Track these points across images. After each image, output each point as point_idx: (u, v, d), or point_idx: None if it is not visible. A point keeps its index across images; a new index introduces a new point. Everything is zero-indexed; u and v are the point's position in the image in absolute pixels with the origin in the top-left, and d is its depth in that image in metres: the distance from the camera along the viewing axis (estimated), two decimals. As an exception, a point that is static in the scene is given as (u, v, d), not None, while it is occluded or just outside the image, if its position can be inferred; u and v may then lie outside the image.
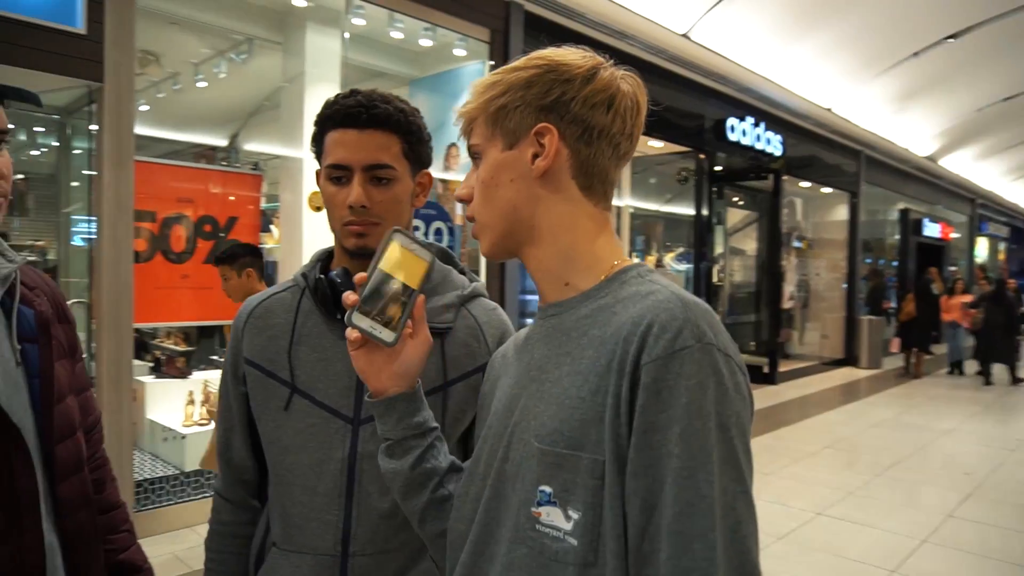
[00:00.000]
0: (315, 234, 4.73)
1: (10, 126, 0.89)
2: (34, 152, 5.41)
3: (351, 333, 0.79)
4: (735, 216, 9.82)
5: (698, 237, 7.75)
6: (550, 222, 0.78)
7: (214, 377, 4.54)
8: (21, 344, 0.94)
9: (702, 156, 7.62)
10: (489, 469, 0.79)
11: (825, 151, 9.75)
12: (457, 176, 5.03)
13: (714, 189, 8.02)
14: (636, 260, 0.81)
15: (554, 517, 0.69)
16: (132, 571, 1.11)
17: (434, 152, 1.16)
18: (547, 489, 0.70)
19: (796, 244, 10.46)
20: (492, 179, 0.78)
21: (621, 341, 0.68)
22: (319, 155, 1.05)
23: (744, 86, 7.49)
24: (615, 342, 0.68)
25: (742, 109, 7.73)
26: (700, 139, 7.43)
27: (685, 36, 6.33)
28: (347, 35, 4.64)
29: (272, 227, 5.57)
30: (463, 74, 5.11)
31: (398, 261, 0.80)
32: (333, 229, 1.05)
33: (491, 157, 0.79)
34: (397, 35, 4.79)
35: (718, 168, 8.14)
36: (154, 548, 3.28)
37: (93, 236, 3.50)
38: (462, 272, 1.16)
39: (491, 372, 0.92)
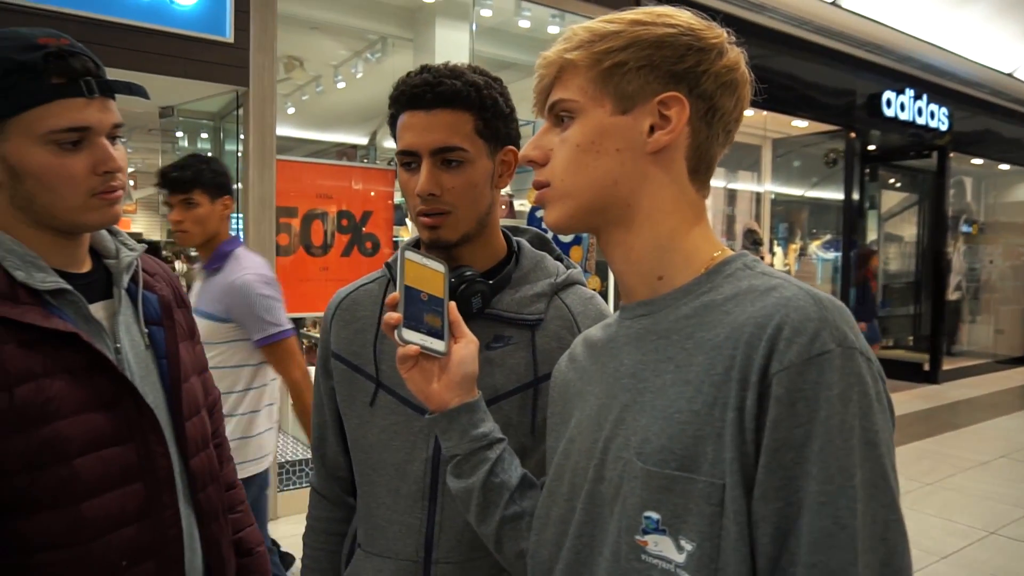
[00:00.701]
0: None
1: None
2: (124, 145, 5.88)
3: (407, 349, 0.78)
4: (891, 199, 8.99)
5: (848, 223, 7.16)
6: (652, 204, 0.68)
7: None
8: (148, 327, 0.98)
9: (853, 135, 7.01)
10: (576, 489, 0.71)
11: (1002, 123, 8.67)
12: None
13: (867, 170, 7.37)
14: (738, 251, 0.70)
15: (663, 547, 0.60)
16: (246, 552, 1.14)
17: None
18: (654, 516, 0.61)
19: (965, 229, 9.42)
20: (592, 144, 0.68)
21: (742, 345, 0.58)
22: (395, 139, 0.98)
23: (904, 54, 6.79)
24: (733, 346, 0.59)
25: (901, 81, 7.03)
26: (851, 116, 6.83)
27: (834, 4, 5.82)
28: (475, 27, 4.65)
29: (407, 220, 5.74)
30: (591, 60, 4.98)
31: (418, 275, 0.82)
32: (411, 219, 0.99)
33: (594, 119, 0.68)
34: (524, 24, 4.75)
35: (872, 147, 7.46)
36: (292, 527, 3.46)
37: (241, 232, 3.75)
38: (559, 259, 1.07)
39: (560, 376, 0.83)
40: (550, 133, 0.72)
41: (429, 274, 0.83)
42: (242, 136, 3.67)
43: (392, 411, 0.99)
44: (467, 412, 0.79)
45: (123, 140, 0.91)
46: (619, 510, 0.64)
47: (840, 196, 7.24)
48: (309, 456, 3.99)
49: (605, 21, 0.69)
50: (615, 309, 0.90)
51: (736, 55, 0.69)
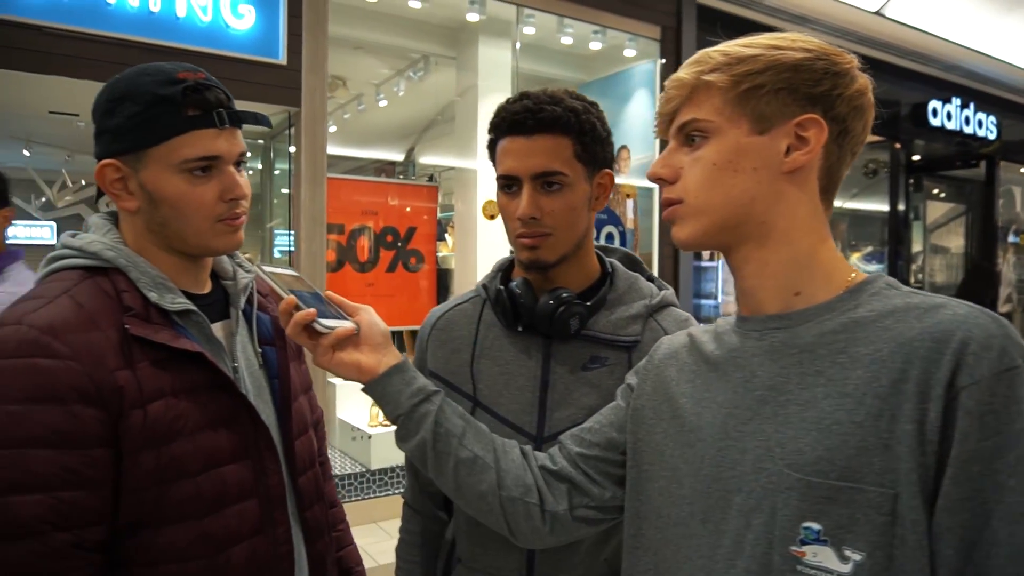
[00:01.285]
0: (488, 242, 4.84)
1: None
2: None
3: (330, 335, 0.84)
4: (936, 210, 8.80)
5: (892, 234, 7.03)
6: (788, 223, 0.70)
7: (396, 380, 4.77)
8: (261, 348, 1.02)
9: (897, 145, 6.90)
10: (702, 496, 0.71)
11: (1052, 131, 8.46)
12: (628, 180, 4.92)
13: (911, 181, 7.23)
14: (874, 272, 0.73)
15: (823, 558, 0.61)
16: (346, 571, 1.16)
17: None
18: (814, 526, 0.62)
19: (1012, 239, 9.17)
20: (729, 163, 0.70)
21: (918, 360, 0.60)
22: (494, 163, 1.02)
23: (950, 63, 6.68)
24: (904, 360, 0.61)
25: (947, 90, 6.91)
26: (895, 127, 6.73)
27: (878, 14, 5.75)
28: (518, 45, 4.70)
29: (447, 236, 5.79)
30: (633, 75, 5.00)
31: (287, 281, 0.88)
32: (509, 240, 1.02)
33: (730, 139, 0.70)
34: (567, 40, 4.78)
35: (916, 157, 7.33)
36: (346, 541, 3.49)
37: (292, 249, 3.82)
38: (650, 280, 1.08)
39: (652, 382, 0.82)
40: (678, 152, 0.74)
41: (288, 278, 0.89)
42: (293, 155, 3.74)
43: (491, 429, 1.00)
44: (398, 372, 0.85)
45: (244, 166, 0.95)
46: (763, 521, 0.65)
47: (881, 207, 7.12)
48: (358, 470, 3.98)
49: (741, 45, 0.71)
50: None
51: (865, 81, 0.72)
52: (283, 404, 1.00)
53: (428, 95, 5.98)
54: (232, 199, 0.90)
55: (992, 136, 7.42)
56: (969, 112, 7.13)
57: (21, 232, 11.76)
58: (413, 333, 5.60)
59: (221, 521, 0.86)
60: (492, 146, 1.01)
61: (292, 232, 3.79)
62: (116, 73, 0.89)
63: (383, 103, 5.89)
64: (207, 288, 0.98)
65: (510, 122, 0.96)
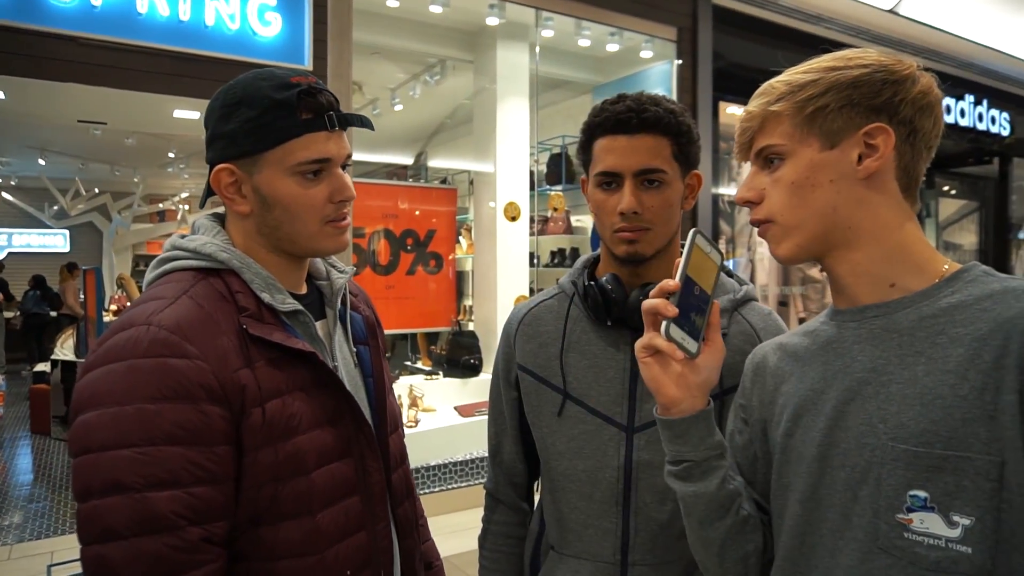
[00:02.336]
0: (508, 244, 4.86)
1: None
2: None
3: (667, 347, 0.76)
4: (949, 207, 8.80)
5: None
6: (874, 224, 0.75)
7: (418, 382, 4.81)
8: (356, 347, 1.03)
9: (933, 155, 6.90)
10: (807, 477, 0.76)
11: (1065, 127, 8.45)
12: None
13: (923, 178, 7.24)
14: (975, 261, 0.76)
15: (930, 524, 0.66)
16: (427, 566, 1.18)
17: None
18: (921, 494, 0.66)
19: (1021, 236, 9.17)
20: (808, 180, 0.76)
21: (1017, 335, 0.64)
22: (587, 163, 1.05)
23: (964, 61, 6.69)
24: (1004, 337, 0.66)
25: (961, 87, 6.91)
26: (909, 124, 6.73)
27: (892, 12, 5.77)
28: (537, 48, 4.72)
29: (461, 238, 5.82)
30: (649, 76, 5.02)
31: (698, 265, 0.78)
32: (603, 236, 1.05)
33: (804, 157, 0.76)
34: (584, 43, 4.81)
35: (929, 155, 7.32)
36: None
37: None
38: (729, 275, 1.12)
39: (756, 379, 0.88)
40: (760, 175, 0.80)
41: (707, 265, 0.79)
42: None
43: (581, 420, 1.04)
44: (704, 420, 0.81)
45: (349, 167, 0.96)
46: (869, 492, 0.70)
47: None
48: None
49: (800, 72, 0.77)
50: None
51: (928, 80, 0.76)
52: (378, 402, 1.03)
53: (441, 99, 6.01)
54: (341, 200, 0.91)
55: (1006, 132, 7.42)
56: (982, 109, 7.13)
57: (35, 240, 11.89)
58: (427, 335, 5.63)
59: (332, 516, 0.88)
60: (587, 146, 1.04)
61: (318, 236, 3.82)
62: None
63: (398, 107, 5.92)
64: (304, 289, 1.00)
65: (614, 121, 1.00)
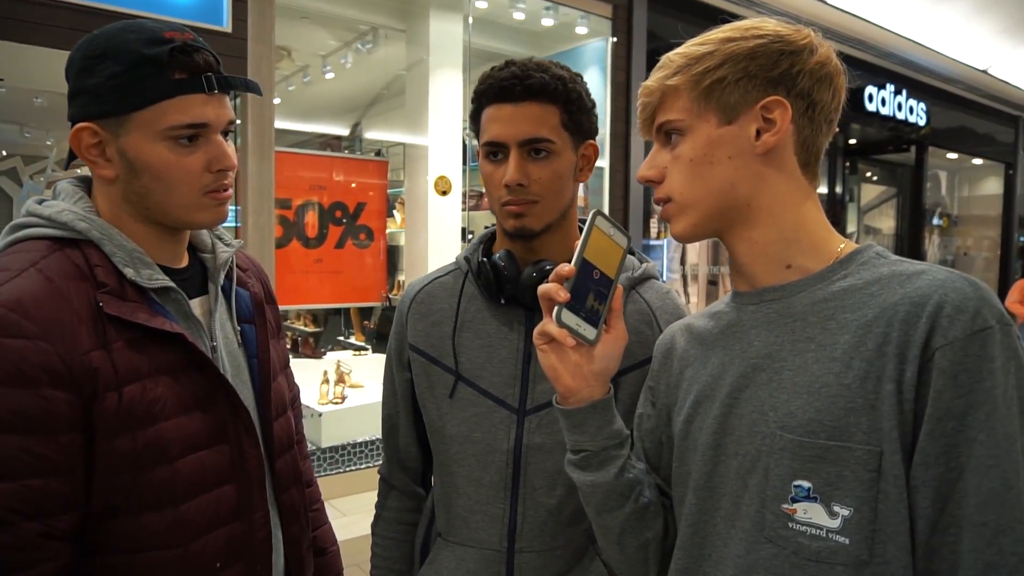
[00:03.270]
0: (440, 219, 4.80)
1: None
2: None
3: (559, 333, 0.73)
4: (870, 192, 9.16)
5: (829, 215, 7.24)
6: (771, 201, 0.74)
7: (345, 358, 4.73)
8: (240, 325, 0.97)
9: (836, 129, 7.12)
10: (703, 464, 0.75)
11: (977, 119, 8.87)
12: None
13: (847, 164, 7.50)
14: (869, 242, 0.75)
15: (812, 514, 0.65)
16: (320, 552, 1.14)
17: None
18: (805, 484, 0.66)
19: (936, 221, 9.63)
20: (704, 156, 0.73)
21: (898, 323, 0.63)
22: (477, 133, 1.01)
23: (885, 51, 6.91)
24: (887, 324, 0.64)
25: (882, 76, 7.16)
26: (834, 110, 6.94)
27: (821, 0, 5.90)
28: (470, 19, 4.64)
29: (395, 212, 5.72)
30: (584, 52, 5.00)
31: (599, 248, 0.75)
32: (492, 210, 1.01)
33: (702, 133, 0.73)
34: (519, 16, 4.74)
35: (852, 141, 7.59)
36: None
37: (238, 224, 3.71)
38: (631, 252, 1.11)
39: (665, 362, 0.86)
40: (661, 152, 0.77)
41: (609, 248, 0.76)
42: (239, 128, 3.63)
43: (472, 403, 1.01)
44: (603, 408, 0.79)
45: (232, 135, 0.90)
46: (758, 482, 0.69)
47: (820, 189, 7.35)
48: (310, 449, 3.93)
49: (696, 44, 0.75)
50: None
51: (826, 50, 0.74)
52: (262, 385, 0.97)
53: (376, 69, 5.85)
54: (220, 170, 0.85)
55: (922, 122, 7.74)
56: (902, 98, 7.40)
57: (-63, 204, 11.10)
58: (360, 310, 5.54)
59: (198, 507, 0.83)
60: (476, 115, 1.00)
61: (239, 207, 3.67)
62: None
63: (330, 75, 5.74)
64: (184, 262, 0.93)
65: (497, 89, 0.95)
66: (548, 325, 0.74)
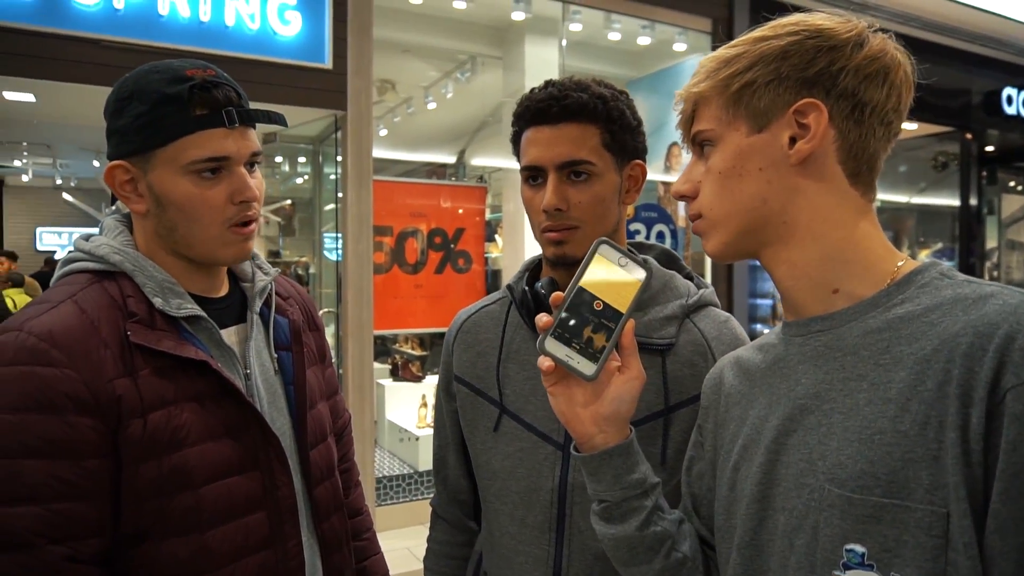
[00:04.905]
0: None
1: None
2: (297, 180, 6.17)
3: (543, 362, 0.68)
4: (1013, 203, 8.33)
5: (964, 230, 6.67)
6: (811, 217, 0.65)
7: (443, 382, 4.78)
8: (277, 352, 0.98)
9: (969, 136, 6.54)
10: (749, 519, 0.66)
11: None
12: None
13: (984, 173, 6.86)
14: (926, 259, 0.64)
15: None
16: None
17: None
18: (858, 549, 0.56)
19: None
20: (733, 168, 0.66)
21: (959, 358, 0.53)
22: (518, 157, 0.97)
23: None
24: (947, 359, 0.54)
25: (1022, 76, 6.53)
26: (965, 116, 6.38)
27: (946, -2, 5.47)
28: (564, 43, 4.64)
29: (496, 237, 5.78)
30: (683, 70, 4.88)
31: (604, 278, 0.69)
32: (535, 236, 0.96)
33: (731, 143, 0.66)
34: (614, 36, 4.70)
35: (989, 148, 6.94)
36: (390, 542, 3.49)
37: (340, 251, 3.86)
38: (688, 277, 1.01)
39: (713, 399, 0.78)
40: (697, 165, 0.71)
41: (619, 280, 0.69)
42: (340, 158, 3.78)
43: (516, 437, 0.96)
44: (620, 455, 0.72)
45: (260, 166, 0.92)
46: (805, 542, 0.60)
47: (952, 202, 6.77)
48: (406, 471, 3.99)
49: (729, 46, 0.68)
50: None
51: (879, 43, 0.64)
52: (299, 412, 0.97)
53: (477, 96, 5.98)
54: (242, 201, 0.86)
55: (1074, 124, 6.97)
56: (1049, 99, 6.71)
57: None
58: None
59: (225, 534, 0.83)
60: (516, 138, 0.96)
61: (339, 234, 3.82)
62: None
63: (432, 105, 5.91)
64: (223, 290, 0.95)
65: (534, 111, 0.91)
66: (539, 358, 0.69)
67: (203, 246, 0.87)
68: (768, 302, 5.21)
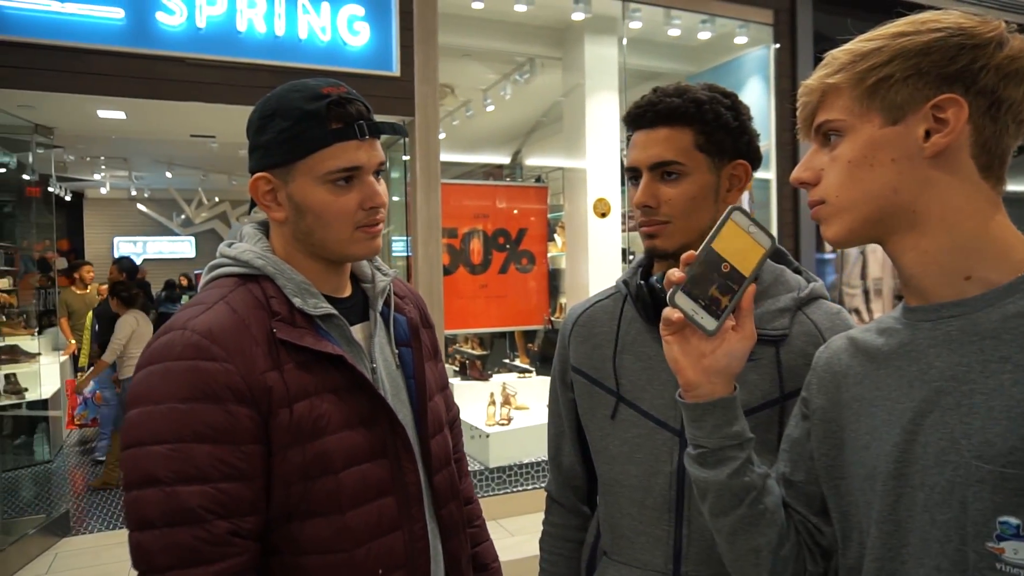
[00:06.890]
0: (599, 240, 4.81)
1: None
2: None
3: (671, 313, 0.74)
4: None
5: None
6: (943, 208, 0.67)
7: (511, 380, 4.84)
8: (398, 348, 1.05)
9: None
10: (883, 496, 0.69)
11: None
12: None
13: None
14: None
15: None
16: (482, 567, 1.18)
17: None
18: (1013, 521, 0.59)
19: None
20: (864, 158, 0.69)
21: None
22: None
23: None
24: None
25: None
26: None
27: (1022, -23, 5.25)
28: (624, 41, 4.64)
29: (556, 236, 5.81)
30: (744, 62, 4.82)
31: (732, 243, 0.74)
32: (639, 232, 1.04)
33: (864, 134, 0.69)
34: (674, 32, 4.69)
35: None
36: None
37: (408, 253, 3.96)
38: (797, 272, 1.05)
39: (825, 376, 0.81)
40: (819, 154, 0.74)
41: (747, 245, 0.74)
42: (407, 162, 3.88)
43: (634, 424, 1.01)
44: (723, 408, 0.77)
45: (383, 174, 0.99)
46: (952, 517, 0.63)
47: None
48: (478, 468, 4.04)
49: (864, 40, 0.70)
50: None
51: (1020, 43, 0.66)
52: (419, 404, 1.03)
53: (533, 97, 6.02)
54: (372, 207, 0.93)
55: None
56: None
57: (166, 247, 12.91)
58: (524, 333, 5.66)
59: (361, 516, 0.90)
60: (628, 142, 1.04)
61: (409, 237, 3.92)
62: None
63: (490, 108, 5.98)
64: (347, 292, 1.02)
65: (634, 116, 1.00)
66: (666, 308, 0.75)
67: (336, 246, 0.94)
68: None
